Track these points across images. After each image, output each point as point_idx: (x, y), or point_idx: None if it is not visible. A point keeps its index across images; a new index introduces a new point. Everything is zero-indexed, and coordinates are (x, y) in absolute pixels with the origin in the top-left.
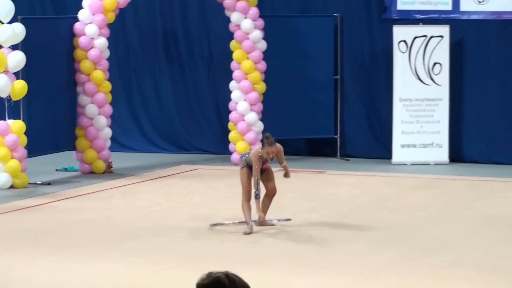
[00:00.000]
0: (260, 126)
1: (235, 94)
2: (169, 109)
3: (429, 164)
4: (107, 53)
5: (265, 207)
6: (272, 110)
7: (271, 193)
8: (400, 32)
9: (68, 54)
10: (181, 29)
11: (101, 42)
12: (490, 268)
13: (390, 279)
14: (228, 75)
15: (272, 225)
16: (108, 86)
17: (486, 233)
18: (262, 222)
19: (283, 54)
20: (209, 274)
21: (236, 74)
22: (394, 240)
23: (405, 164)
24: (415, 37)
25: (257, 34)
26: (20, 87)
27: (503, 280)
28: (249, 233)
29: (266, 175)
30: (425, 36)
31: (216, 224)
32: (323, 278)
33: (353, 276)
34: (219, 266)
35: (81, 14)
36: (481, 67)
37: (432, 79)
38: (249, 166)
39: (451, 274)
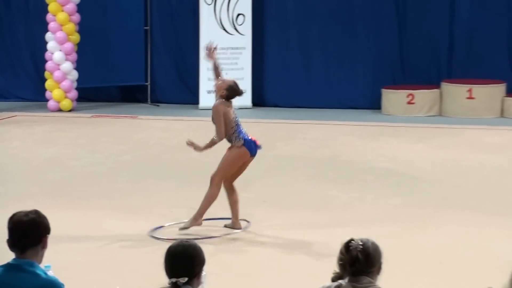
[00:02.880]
0: (74, 74)
1: (51, 45)
2: None
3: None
4: None
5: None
6: (86, 59)
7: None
8: None
9: None
10: None
11: None
12: (291, 204)
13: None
14: (44, 27)
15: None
16: None
17: (288, 172)
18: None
19: (96, 6)
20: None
21: (51, 25)
22: (201, 180)
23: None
24: None
25: None
26: None
27: (302, 214)
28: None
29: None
30: None
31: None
32: (138, 219)
33: (161, 213)
34: (38, 205)
35: None
36: (282, 18)
37: (236, 29)
38: (247, 145)
39: (254, 210)
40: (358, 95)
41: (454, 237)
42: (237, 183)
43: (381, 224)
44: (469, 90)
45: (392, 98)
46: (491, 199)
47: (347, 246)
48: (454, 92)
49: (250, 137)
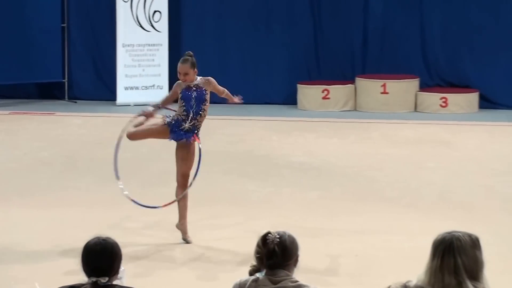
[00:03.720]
0: None
1: None
2: None
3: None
4: None
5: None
6: (3, 56)
7: (180, 179)
8: None
9: None
10: None
11: None
12: (209, 199)
13: (111, 211)
14: None
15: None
16: None
17: (205, 167)
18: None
19: (13, 4)
20: None
21: None
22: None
23: (129, 105)
24: None
25: None
26: None
27: (220, 209)
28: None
29: (182, 152)
30: None
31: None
32: (57, 214)
33: (79, 208)
34: None
35: None
36: (198, 14)
37: (152, 26)
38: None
39: (172, 205)
40: (274, 91)
41: (370, 229)
42: (154, 178)
43: (299, 217)
44: (383, 85)
45: (308, 93)
46: (405, 192)
47: (264, 239)
48: (369, 87)
49: None
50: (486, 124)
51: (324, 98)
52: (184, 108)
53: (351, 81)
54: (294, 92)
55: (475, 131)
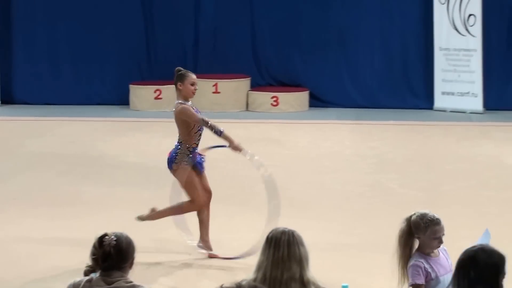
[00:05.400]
0: None
1: None
2: None
3: None
4: None
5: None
6: None
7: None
8: None
9: None
10: None
11: None
12: (43, 201)
13: None
14: None
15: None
16: None
17: (38, 169)
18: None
19: None
20: None
21: None
22: None
23: None
24: None
25: None
26: None
27: (53, 210)
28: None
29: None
30: None
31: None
32: None
33: None
34: None
35: None
36: (29, 16)
37: None
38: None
39: (5, 207)
40: (106, 91)
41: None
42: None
43: (132, 217)
44: (215, 85)
45: (140, 93)
46: (238, 190)
47: (101, 241)
48: (200, 86)
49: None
50: (316, 122)
51: (156, 98)
52: (200, 132)
53: None
54: (127, 93)
55: (305, 130)
